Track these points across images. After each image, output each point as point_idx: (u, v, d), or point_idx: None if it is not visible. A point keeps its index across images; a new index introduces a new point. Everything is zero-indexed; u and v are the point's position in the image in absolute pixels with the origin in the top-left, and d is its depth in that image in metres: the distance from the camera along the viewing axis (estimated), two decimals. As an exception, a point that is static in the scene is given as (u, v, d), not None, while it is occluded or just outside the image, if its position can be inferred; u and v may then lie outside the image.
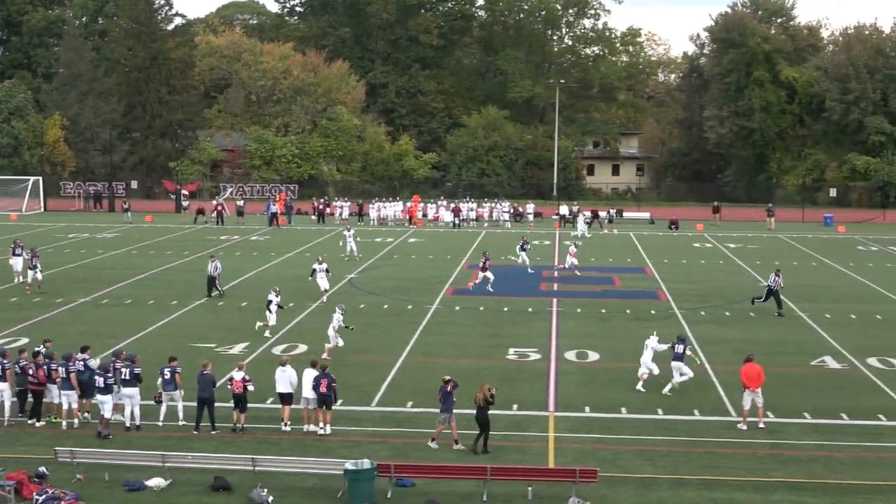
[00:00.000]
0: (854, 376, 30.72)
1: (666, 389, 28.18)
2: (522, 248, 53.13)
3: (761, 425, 25.07)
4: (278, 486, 20.97)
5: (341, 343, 32.24)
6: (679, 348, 28.41)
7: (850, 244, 66.24)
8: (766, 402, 25.52)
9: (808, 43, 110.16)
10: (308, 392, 24.75)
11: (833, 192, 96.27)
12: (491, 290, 44.01)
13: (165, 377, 25.21)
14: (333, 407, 24.84)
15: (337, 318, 32.26)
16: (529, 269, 51.32)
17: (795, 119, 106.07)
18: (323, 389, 24.42)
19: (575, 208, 77.94)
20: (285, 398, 25.09)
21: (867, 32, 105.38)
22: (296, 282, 45.41)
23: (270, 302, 35.76)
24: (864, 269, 54.16)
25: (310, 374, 24.79)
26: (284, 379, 25.11)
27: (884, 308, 42.20)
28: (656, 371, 28.65)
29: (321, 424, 24.51)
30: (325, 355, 30.59)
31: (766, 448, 23.88)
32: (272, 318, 35.62)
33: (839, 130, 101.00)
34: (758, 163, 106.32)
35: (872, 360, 32.53)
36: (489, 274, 44.79)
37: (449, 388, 23.81)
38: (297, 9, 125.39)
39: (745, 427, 25.10)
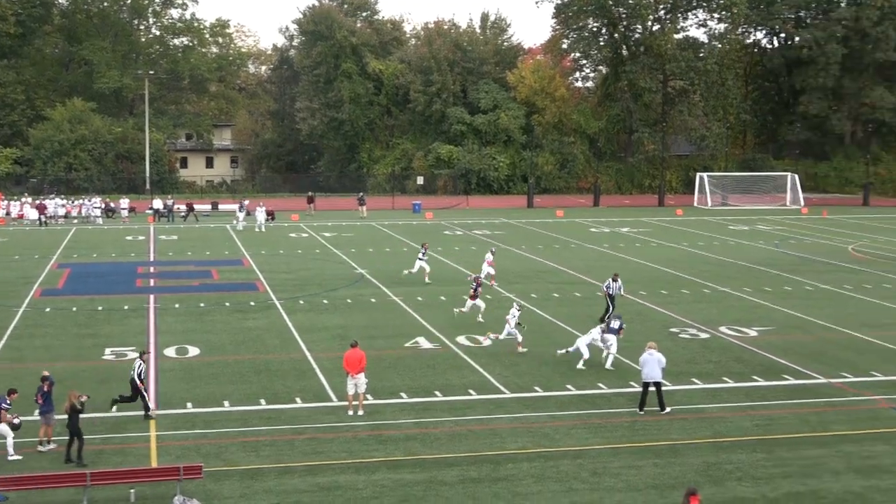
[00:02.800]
0: (445, 355, 32.36)
1: (608, 364, 30.37)
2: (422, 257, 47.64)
3: (360, 412, 25.80)
4: None
5: None
6: (615, 323, 31.06)
7: (438, 229, 69.66)
8: (367, 385, 26.26)
9: (392, 37, 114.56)
10: None
11: (420, 180, 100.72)
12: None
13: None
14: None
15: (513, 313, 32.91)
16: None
17: (383, 110, 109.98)
18: None
19: (170, 202, 76.49)
20: None
21: (446, 27, 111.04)
22: None
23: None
24: (451, 252, 57.14)
25: None
26: None
27: (466, 289, 44.64)
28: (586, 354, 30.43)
29: None
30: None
31: (366, 430, 24.64)
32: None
33: (424, 121, 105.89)
34: (349, 153, 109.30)
35: (461, 339, 34.42)
36: (479, 302, 37.98)
37: (46, 388, 22.80)
38: None
39: (352, 412, 25.75)
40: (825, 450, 23.46)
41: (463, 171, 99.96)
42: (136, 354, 27.75)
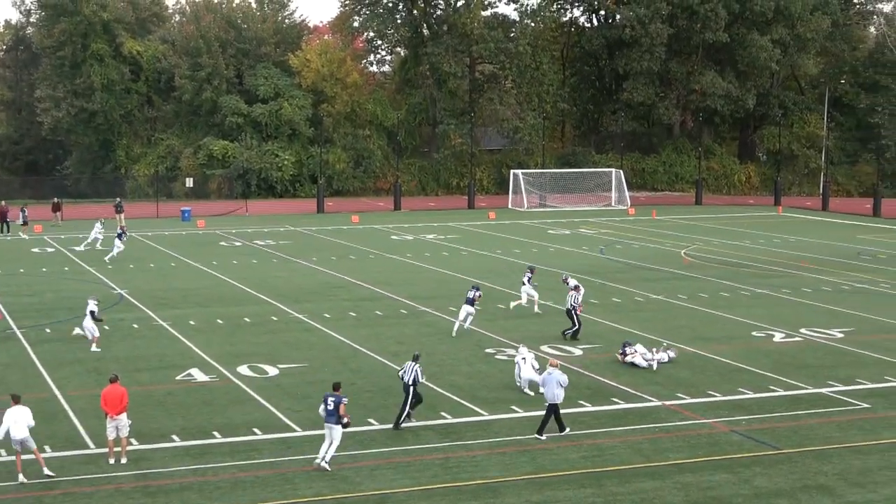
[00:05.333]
0: (224, 388, 32.01)
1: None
2: None
3: (123, 460, 25.23)
4: None
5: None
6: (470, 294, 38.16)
7: (213, 240, 68.84)
8: (130, 427, 25.72)
9: (151, 12, 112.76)
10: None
11: (190, 182, 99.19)
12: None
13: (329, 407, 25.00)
14: None
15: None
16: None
17: (143, 99, 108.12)
18: None
19: None
20: None
21: (216, 2, 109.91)
22: None
23: None
24: (229, 267, 56.57)
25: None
26: None
27: (252, 309, 44.40)
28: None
29: None
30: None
31: (131, 480, 24.12)
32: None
33: (192, 112, 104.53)
34: (103, 151, 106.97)
35: (243, 369, 34.14)
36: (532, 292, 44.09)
37: None
38: None
39: (114, 460, 25.14)
40: (661, 481, 24.28)
41: (240, 171, 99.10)
42: None
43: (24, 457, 24.28)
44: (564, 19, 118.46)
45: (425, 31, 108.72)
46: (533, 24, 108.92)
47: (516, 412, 29.61)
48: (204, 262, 58.01)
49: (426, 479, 24.32)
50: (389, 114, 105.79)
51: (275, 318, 42.63)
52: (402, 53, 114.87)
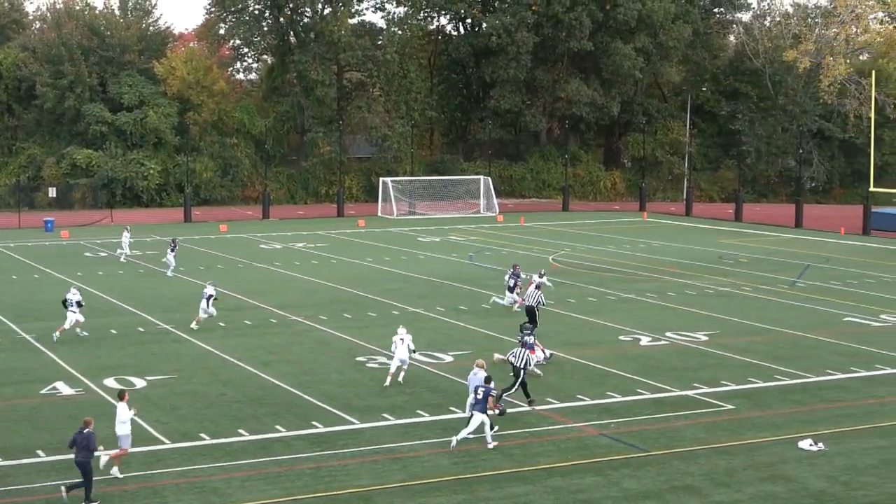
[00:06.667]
0: (91, 401, 31.39)
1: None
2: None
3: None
4: None
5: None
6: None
7: (78, 251, 67.60)
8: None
9: (11, 19, 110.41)
10: None
11: (53, 192, 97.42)
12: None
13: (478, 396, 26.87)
14: None
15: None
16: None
17: (3, 107, 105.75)
18: None
19: None
20: None
21: (78, 8, 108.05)
22: None
23: None
24: (95, 278, 55.59)
25: None
26: None
27: (118, 321, 43.71)
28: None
29: None
30: None
31: (-6, 498, 23.60)
32: None
33: (55, 120, 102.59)
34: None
35: (110, 381, 33.54)
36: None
37: None
38: None
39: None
40: (532, 486, 24.49)
41: (105, 181, 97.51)
42: None
43: None
44: (431, 27, 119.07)
45: (292, 39, 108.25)
46: (400, 32, 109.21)
47: (388, 420, 29.61)
48: (69, 274, 56.89)
49: (297, 490, 24.17)
50: (257, 122, 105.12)
51: (142, 330, 42.05)
52: (270, 61, 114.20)
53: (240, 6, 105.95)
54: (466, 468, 25.69)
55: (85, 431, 23.63)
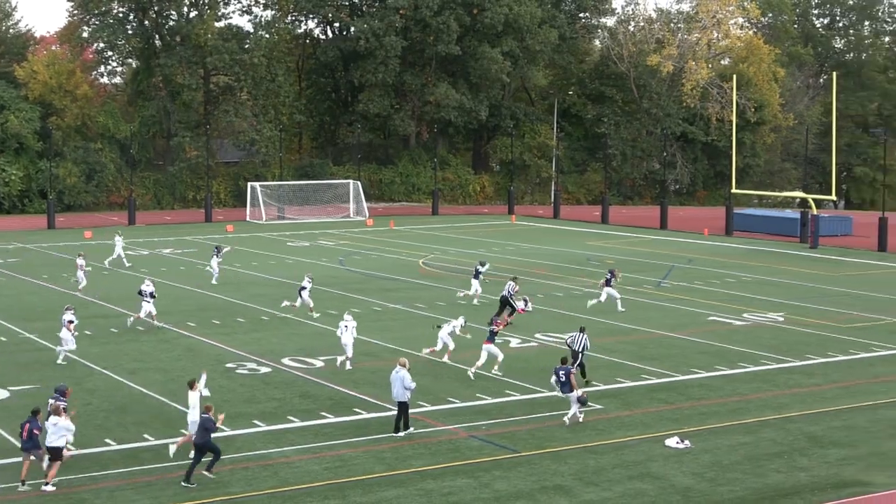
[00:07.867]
0: (-49, 414, 30.65)
1: None
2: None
3: None
4: None
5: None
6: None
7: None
8: None
9: None
10: None
11: None
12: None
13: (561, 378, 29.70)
14: None
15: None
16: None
17: None
18: None
19: None
20: None
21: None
22: None
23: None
24: (-47, 287, 54.24)
25: None
26: None
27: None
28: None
29: None
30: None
31: None
32: None
33: None
34: None
35: (-29, 393, 32.77)
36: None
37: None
38: None
39: None
40: (404, 489, 24.53)
41: None
42: None
43: None
44: (299, 31, 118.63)
45: (158, 43, 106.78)
46: (267, 36, 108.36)
47: (258, 426, 29.40)
48: (-74, 283, 55.41)
49: (167, 499, 23.87)
50: (122, 126, 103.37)
51: (3, 339, 41.12)
52: (135, 65, 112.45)
53: (103, 9, 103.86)
54: (338, 473, 25.62)
55: (203, 416, 25.44)
